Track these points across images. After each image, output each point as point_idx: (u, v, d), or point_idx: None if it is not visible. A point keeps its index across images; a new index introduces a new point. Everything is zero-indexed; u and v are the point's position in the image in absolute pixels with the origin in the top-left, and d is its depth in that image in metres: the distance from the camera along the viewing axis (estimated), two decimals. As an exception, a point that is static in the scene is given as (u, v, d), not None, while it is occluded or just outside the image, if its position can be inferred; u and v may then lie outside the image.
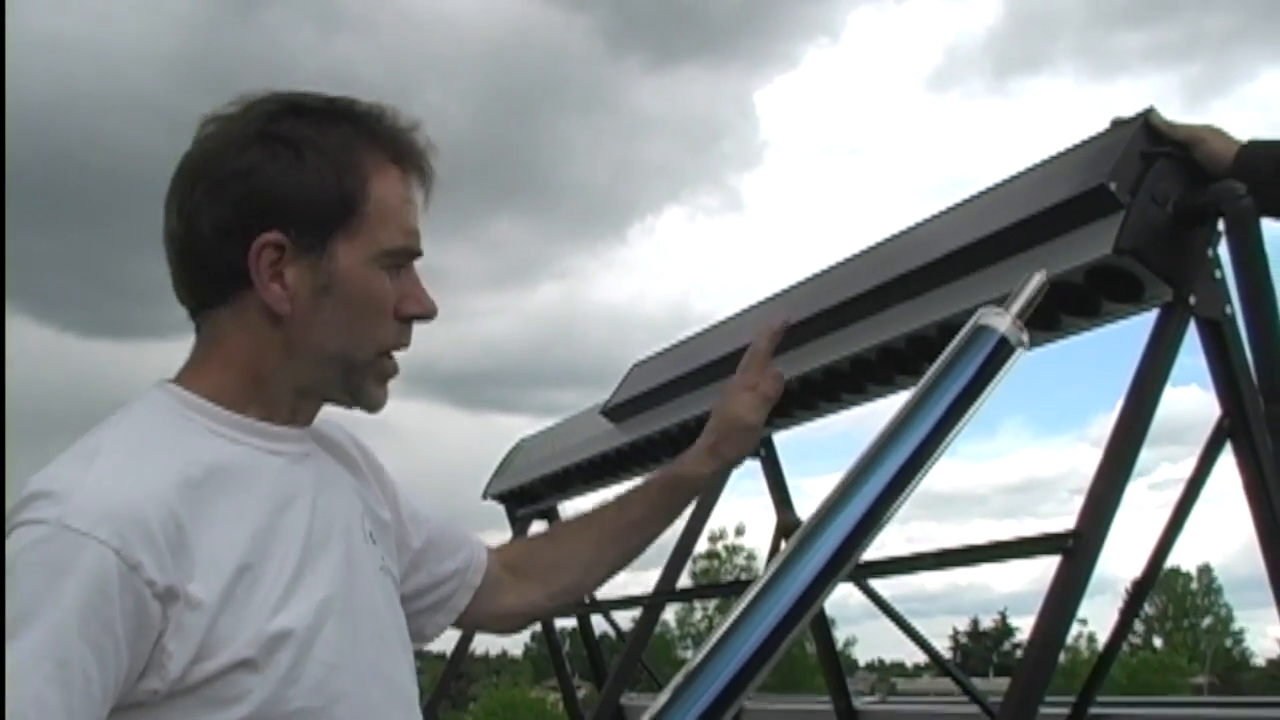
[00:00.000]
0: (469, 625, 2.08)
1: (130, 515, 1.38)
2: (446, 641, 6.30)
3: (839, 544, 1.39)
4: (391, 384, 1.70)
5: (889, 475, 1.42)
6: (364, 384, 1.65)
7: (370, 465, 1.86)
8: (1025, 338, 1.51)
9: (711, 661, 1.33)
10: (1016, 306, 1.53)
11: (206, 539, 1.45)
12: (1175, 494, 3.00)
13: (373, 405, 1.69)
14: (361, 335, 1.62)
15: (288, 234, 1.55)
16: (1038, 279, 1.56)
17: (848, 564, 1.41)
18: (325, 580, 1.56)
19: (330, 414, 1.76)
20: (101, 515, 1.37)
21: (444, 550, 1.95)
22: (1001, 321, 1.51)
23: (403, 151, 1.65)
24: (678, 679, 1.32)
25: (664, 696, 1.30)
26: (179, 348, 1.66)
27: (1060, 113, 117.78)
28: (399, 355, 1.68)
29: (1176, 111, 2.64)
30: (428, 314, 1.68)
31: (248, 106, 1.61)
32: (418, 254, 1.67)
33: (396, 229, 1.62)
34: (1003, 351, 1.50)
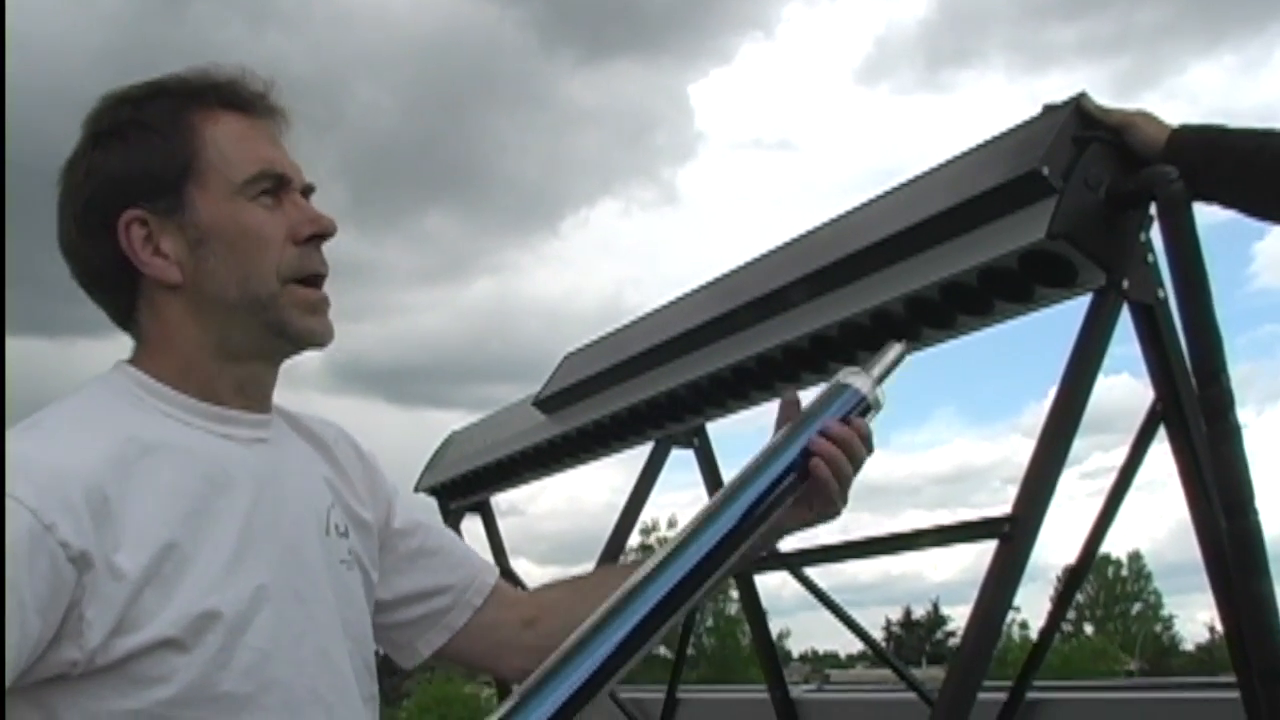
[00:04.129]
0: (478, 660, 2.02)
1: (50, 479, 1.39)
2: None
3: (701, 559, 1.53)
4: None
5: (749, 503, 1.58)
6: (284, 317, 1.64)
7: (364, 466, 1.87)
8: (881, 398, 1.69)
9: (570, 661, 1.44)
10: (876, 370, 1.72)
11: (137, 511, 1.44)
12: (1107, 482, 3.02)
13: (307, 336, 1.68)
14: (253, 269, 1.61)
15: (143, 206, 1.59)
16: (897, 349, 1.76)
17: (714, 575, 1.55)
18: (265, 566, 1.55)
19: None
20: (23, 477, 1.37)
21: (439, 563, 1.94)
22: (862, 381, 1.69)
23: (226, 96, 1.67)
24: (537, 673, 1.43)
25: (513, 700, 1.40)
26: (108, 345, 1.67)
27: (992, 104, 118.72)
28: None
29: (1107, 102, 2.65)
30: (324, 231, 1.67)
31: (86, 119, 1.66)
32: (283, 177, 1.67)
33: (243, 161, 1.63)
34: (859, 408, 1.67)
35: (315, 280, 1.67)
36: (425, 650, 1.94)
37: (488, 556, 6.08)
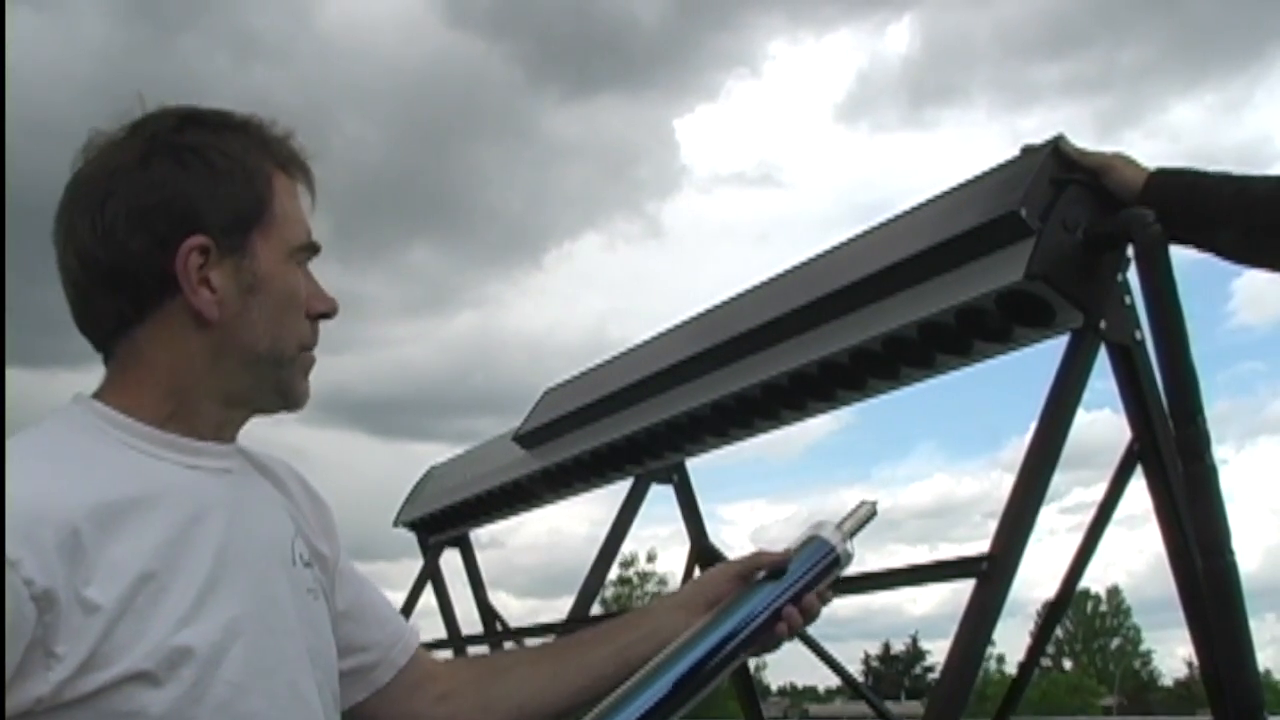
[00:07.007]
0: None
1: (16, 515, 1.35)
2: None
3: (675, 682, 1.73)
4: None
5: (718, 639, 1.77)
6: (292, 380, 1.67)
7: (315, 505, 1.85)
8: (852, 552, 1.86)
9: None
10: (848, 525, 1.87)
11: (111, 547, 1.41)
12: (1087, 517, 3.03)
13: (301, 400, 1.70)
14: (287, 331, 1.63)
15: (211, 237, 1.56)
16: (868, 508, 1.90)
17: (696, 694, 1.75)
18: (238, 597, 1.52)
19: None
20: None
21: (370, 617, 1.90)
22: (834, 536, 1.84)
23: (287, 157, 1.68)
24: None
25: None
26: (89, 377, 1.63)
27: (974, 142, 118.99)
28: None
29: (1089, 141, 2.67)
30: (332, 310, 1.71)
31: (142, 122, 1.61)
32: (318, 251, 1.70)
33: (299, 226, 1.66)
34: (829, 559, 1.83)
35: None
36: (344, 704, 1.86)
37: (467, 590, 6.10)
